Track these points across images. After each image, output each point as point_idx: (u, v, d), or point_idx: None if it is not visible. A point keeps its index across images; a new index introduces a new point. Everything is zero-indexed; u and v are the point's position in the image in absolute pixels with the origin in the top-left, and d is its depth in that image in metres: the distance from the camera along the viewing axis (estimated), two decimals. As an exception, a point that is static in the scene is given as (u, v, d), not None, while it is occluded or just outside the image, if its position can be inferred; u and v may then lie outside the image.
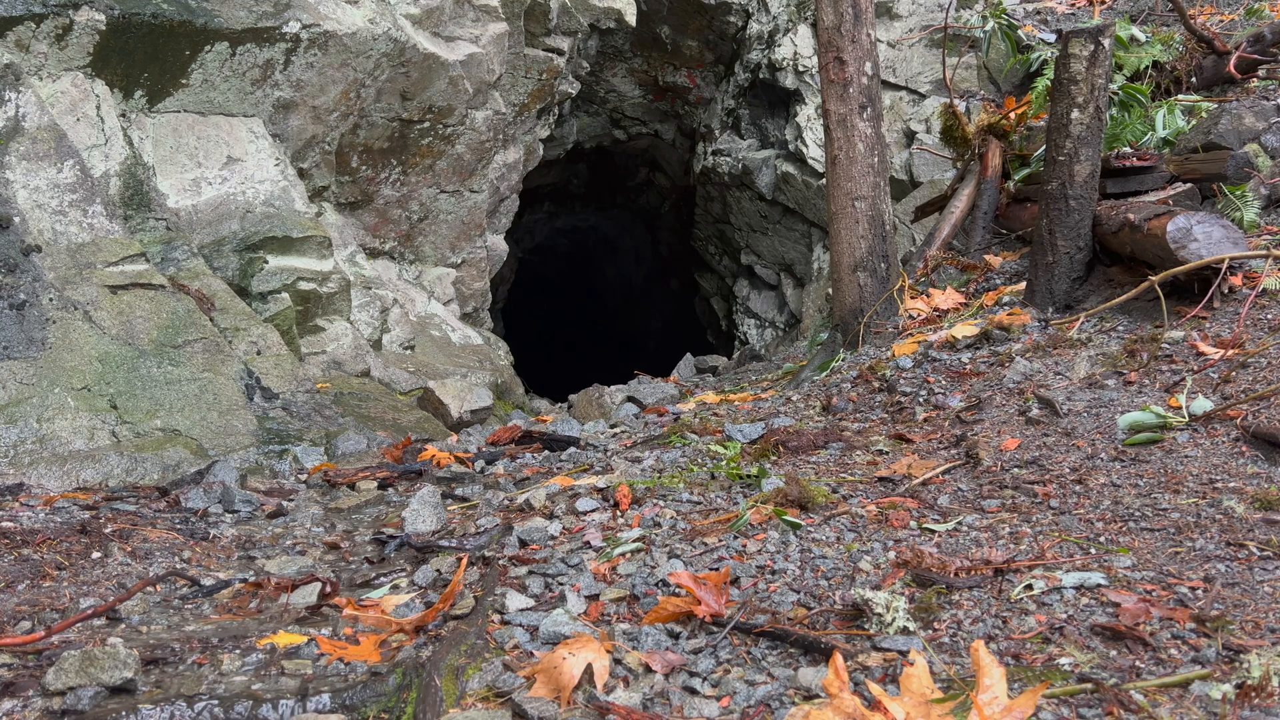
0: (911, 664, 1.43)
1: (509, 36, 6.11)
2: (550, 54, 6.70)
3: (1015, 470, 2.33)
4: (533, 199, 9.68)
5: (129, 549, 2.44)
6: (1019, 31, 6.03)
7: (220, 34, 4.47)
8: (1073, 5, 6.49)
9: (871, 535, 2.08)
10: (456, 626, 1.82)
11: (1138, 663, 1.44)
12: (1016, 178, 4.59)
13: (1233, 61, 4.60)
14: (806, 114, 7.06)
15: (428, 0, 5.47)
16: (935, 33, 6.53)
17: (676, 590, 1.85)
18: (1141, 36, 5.07)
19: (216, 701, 1.56)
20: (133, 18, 4.19)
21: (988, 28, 5.97)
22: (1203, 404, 2.40)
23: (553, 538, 2.31)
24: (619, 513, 2.39)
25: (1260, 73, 4.58)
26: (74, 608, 2.03)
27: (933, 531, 2.05)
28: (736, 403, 3.83)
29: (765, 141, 7.82)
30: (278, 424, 3.72)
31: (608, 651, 1.62)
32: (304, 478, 3.42)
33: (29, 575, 2.22)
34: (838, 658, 1.40)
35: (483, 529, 2.48)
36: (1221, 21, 5.36)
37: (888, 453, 2.67)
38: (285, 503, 3.03)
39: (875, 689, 1.37)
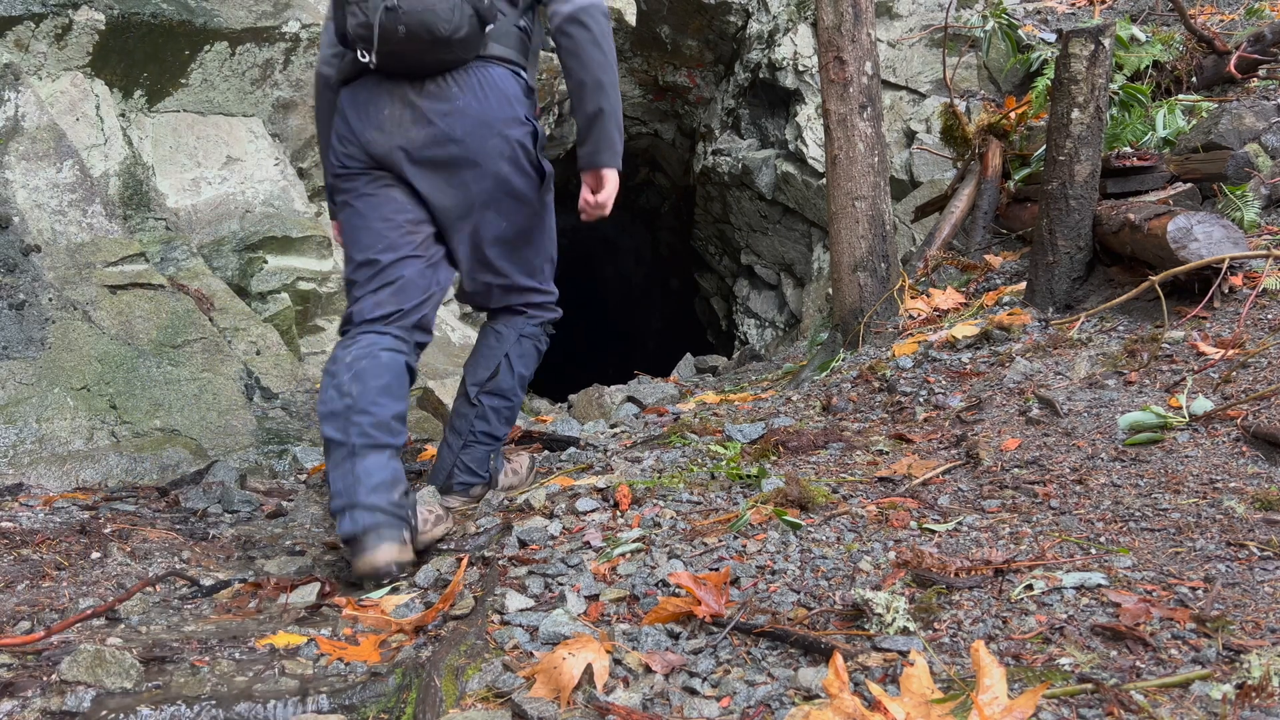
0: (911, 664, 1.43)
1: (509, 36, 6.11)
2: (550, 54, 6.70)
3: (1015, 470, 2.33)
4: (533, 199, 9.65)
5: (128, 549, 2.44)
6: (1019, 31, 6.03)
7: (220, 34, 4.47)
8: (1073, 5, 6.49)
9: (871, 535, 2.08)
10: (456, 627, 1.82)
11: (1138, 663, 1.44)
12: (1016, 178, 4.59)
13: (1233, 61, 4.60)
14: (806, 114, 7.05)
15: (427, 0, 5.47)
16: (935, 33, 6.53)
17: (676, 590, 1.85)
18: (1141, 36, 5.07)
19: (216, 702, 1.56)
20: (132, 17, 4.19)
21: (988, 28, 5.96)
22: (1203, 404, 2.40)
23: (553, 538, 2.31)
24: (619, 513, 2.39)
25: (1260, 73, 4.58)
26: (73, 608, 2.03)
27: (933, 531, 2.05)
28: (736, 403, 3.83)
29: (765, 141, 7.82)
30: (277, 424, 3.72)
31: (608, 652, 1.62)
32: (304, 478, 3.41)
33: (29, 575, 2.22)
34: (838, 658, 1.40)
35: (482, 529, 2.47)
36: (1221, 21, 5.36)
37: (888, 453, 2.67)
38: (285, 503, 3.03)
39: (875, 689, 1.37)
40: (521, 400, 2.73)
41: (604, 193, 2.52)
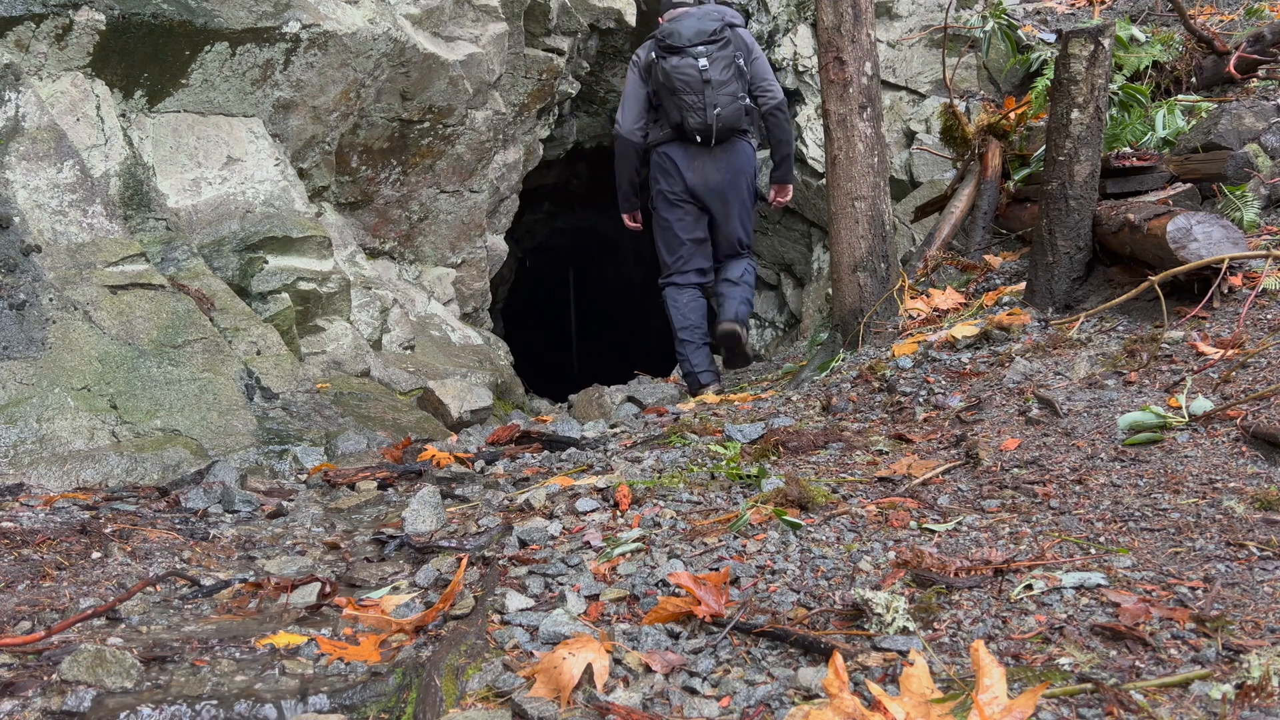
0: (911, 664, 1.43)
1: (509, 36, 6.11)
2: (550, 54, 6.69)
3: (1015, 470, 2.33)
4: (533, 199, 9.66)
5: (129, 549, 2.44)
6: (1019, 31, 6.03)
7: (220, 34, 4.47)
8: (1073, 5, 6.48)
9: (871, 535, 2.08)
10: (456, 626, 1.82)
11: (1138, 663, 1.44)
12: (1016, 178, 4.59)
13: (1233, 61, 4.60)
14: (806, 114, 7.06)
15: (428, 0, 5.47)
16: (935, 33, 6.53)
17: (676, 590, 1.85)
18: (1141, 36, 5.07)
19: (217, 701, 1.56)
20: (133, 18, 4.19)
21: (988, 28, 5.96)
22: (1203, 404, 2.40)
23: (553, 538, 2.31)
24: (619, 513, 2.39)
25: (1260, 73, 4.57)
26: (74, 608, 2.03)
27: (933, 531, 2.06)
28: (736, 403, 3.83)
29: (765, 142, 7.82)
30: (278, 424, 3.72)
31: (608, 651, 1.62)
32: (304, 478, 3.41)
33: (29, 575, 2.22)
34: (838, 658, 1.40)
35: (483, 529, 2.48)
36: (1221, 21, 5.36)
37: (888, 453, 2.67)
38: (285, 503, 3.03)
39: (875, 689, 1.37)
40: (754, 290, 5.23)
41: (787, 196, 5.18)
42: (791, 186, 5.12)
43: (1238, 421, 2.28)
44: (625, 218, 5.27)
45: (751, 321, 8.33)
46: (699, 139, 4.74)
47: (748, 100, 4.77)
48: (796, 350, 6.11)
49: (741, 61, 4.72)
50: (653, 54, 4.79)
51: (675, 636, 1.73)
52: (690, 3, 4.95)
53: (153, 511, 2.87)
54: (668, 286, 5.02)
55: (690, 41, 4.67)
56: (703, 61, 4.62)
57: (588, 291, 13.15)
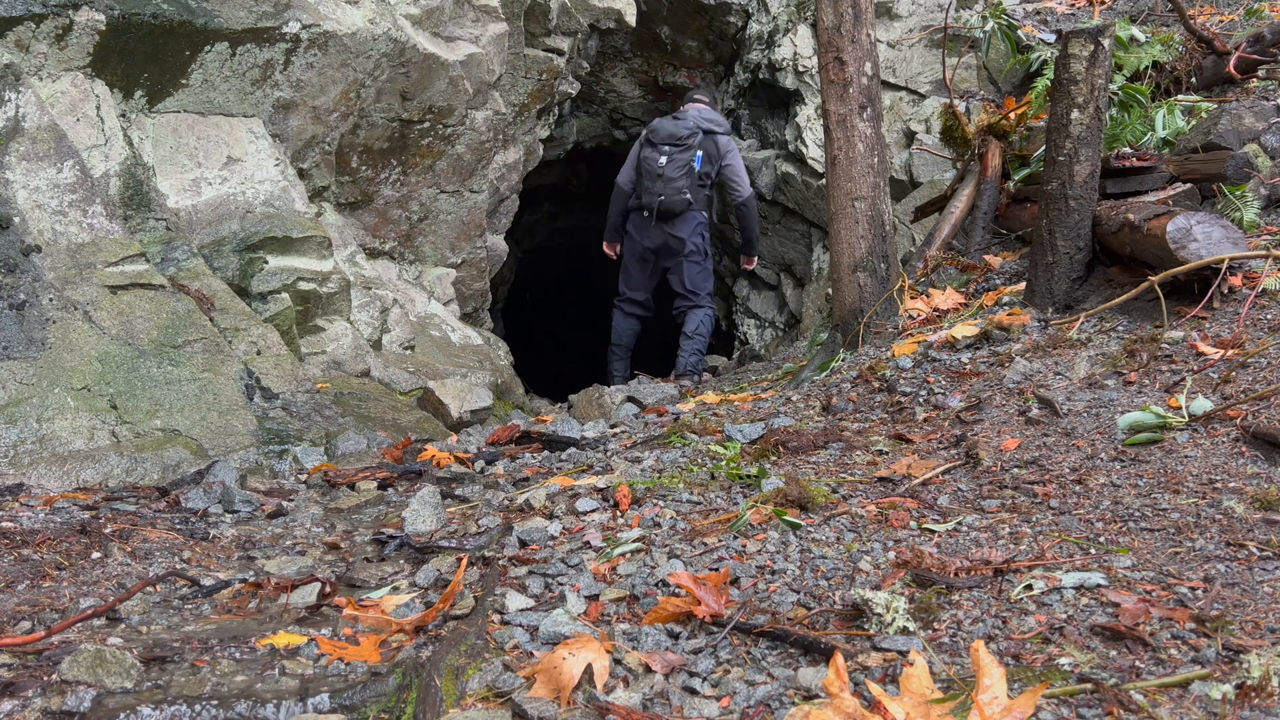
0: (911, 664, 1.43)
1: (509, 36, 6.11)
2: (550, 54, 6.69)
3: (1015, 470, 2.33)
4: (533, 199, 9.67)
5: (129, 549, 2.44)
6: (1019, 31, 6.03)
7: (220, 34, 4.47)
8: (1073, 5, 6.49)
9: (871, 535, 2.08)
10: (456, 626, 1.82)
11: (1138, 663, 1.44)
12: (1016, 178, 4.59)
13: (1233, 61, 4.60)
14: (806, 114, 7.05)
15: (428, 0, 5.47)
16: (935, 33, 6.53)
17: (676, 590, 1.85)
18: (1141, 36, 5.07)
19: (217, 701, 1.56)
20: (133, 18, 4.19)
21: (988, 28, 5.96)
22: (1203, 404, 2.40)
23: (553, 538, 2.31)
24: (619, 513, 2.39)
25: (1260, 73, 4.58)
26: (74, 608, 2.03)
27: (933, 531, 2.06)
28: (736, 403, 3.83)
29: (765, 142, 7.82)
30: (278, 424, 3.72)
31: (608, 651, 1.62)
32: (304, 478, 3.41)
33: (29, 575, 2.22)
34: (838, 658, 1.40)
35: (483, 529, 2.48)
36: (1221, 21, 5.36)
37: (888, 453, 2.67)
38: (285, 503, 3.03)
39: (875, 689, 1.37)
40: (707, 340, 6.57)
41: (752, 264, 6.88)
42: (755, 257, 6.82)
43: (1238, 421, 2.28)
44: (605, 246, 6.74)
45: (751, 322, 8.37)
46: (645, 214, 6.28)
47: (688, 194, 6.15)
48: (796, 350, 6.11)
49: (697, 164, 6.17)
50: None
51: (675, 636, 1.73)
52: (704, 101, 6.56)
53: (153, 511, 2.87)
54: (616, 309, 6.67)
55: (662, 141, 6.14)
56: (663, 160, 6.11)
57: (588, 292, 13.15)
